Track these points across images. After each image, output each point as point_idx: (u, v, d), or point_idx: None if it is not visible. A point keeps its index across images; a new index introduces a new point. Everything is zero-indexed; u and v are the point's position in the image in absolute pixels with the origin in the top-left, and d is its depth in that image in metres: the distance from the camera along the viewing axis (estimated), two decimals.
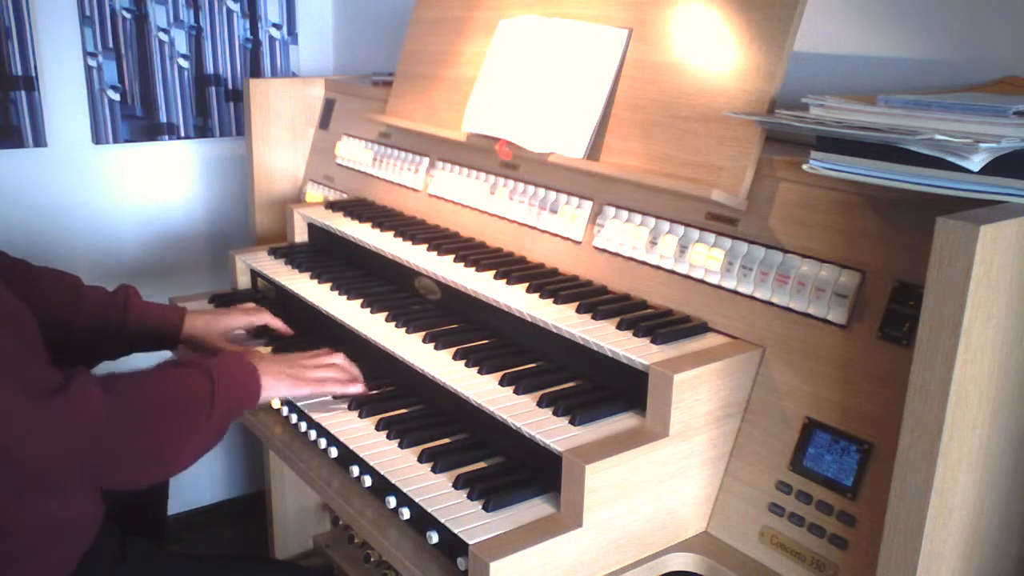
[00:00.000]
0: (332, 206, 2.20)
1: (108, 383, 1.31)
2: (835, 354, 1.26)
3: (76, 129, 2.57)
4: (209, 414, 1.37)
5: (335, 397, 1.61)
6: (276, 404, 1.69)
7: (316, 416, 1.55)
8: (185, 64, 2.69)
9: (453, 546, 1.22)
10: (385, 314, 1.72)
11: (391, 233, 1.94)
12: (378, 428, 1.50)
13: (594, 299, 1.52)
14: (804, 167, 1.21)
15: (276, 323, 1.86)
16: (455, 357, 1.54)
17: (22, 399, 1.20)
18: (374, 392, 1.63)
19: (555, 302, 1.52)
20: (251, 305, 1.93)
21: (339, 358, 1.63)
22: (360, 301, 1.80)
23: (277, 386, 1.52)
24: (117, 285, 1.79)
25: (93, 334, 1.69)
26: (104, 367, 1.60)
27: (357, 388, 1.60)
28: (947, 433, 0.98)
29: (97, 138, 2.59)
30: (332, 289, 1.89)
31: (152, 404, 1.35)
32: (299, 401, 1.61)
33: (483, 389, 1.42)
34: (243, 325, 1.85)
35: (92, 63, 2.53)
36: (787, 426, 1.30)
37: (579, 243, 1.67)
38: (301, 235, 2.26)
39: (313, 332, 1.89)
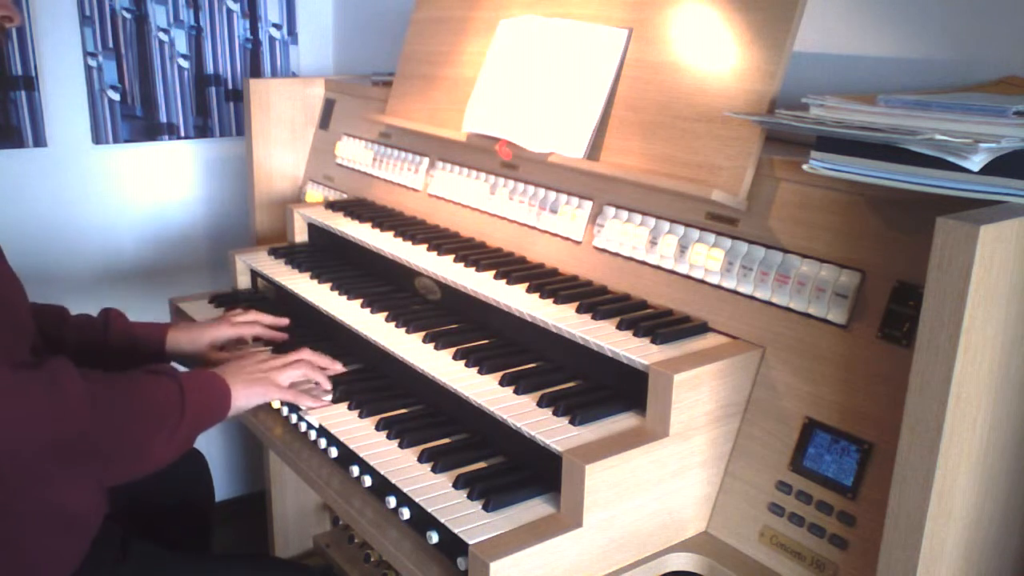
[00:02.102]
0: (332, 206, 2.20)
1: (85, 373, 1.33)
2: (835, 354, 1.26)
3: (76, 129, 2.57)
4: (179, 420, 1.38)
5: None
6: (276, 404, 1.69)
7: (316, 416, 1.55)
8: (185, 64, 2.69)
9: (453, 546, 1.23)
10: (385, 314, 1.72)
11: (391, 233, 1.94)
12: (378, 428, 1.50)
13: (594, 299, 1.52)
14: (804, 167, 1.21)
15: (268, 334, 1.84)
16: (455, 357, 1.54)
17: (3, 368, 1.21)
18: (374, 392, 1.63)
19: (555, 302, 1.52)
20: (239, 312, 1.87)
21: (305, 353, 1.65)
22: (360, 301, 1.80)
23: (248, 396, 1.53)
24: (100, 310, 1.78)
25: (77, 359, 1.70)
26: None
27: (337, 367, 1.64)
28: (947, 433, 0.98)
29: (97, 138, 2.59)
30: (332, 289, 1.89)
31: (125, 399, 1.36)
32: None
33: (483, 389, 1.42)
34: (230, 337, 1.81)
35: (92, 63, 2.53)
36: (787, 426, 1.30)
37: (579, 243, 1.67)
38: (301, 235, 2.26)
39: (313, 332, 1.89)
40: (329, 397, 1.60)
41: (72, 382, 1.28)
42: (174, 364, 1.74)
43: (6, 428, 1.21)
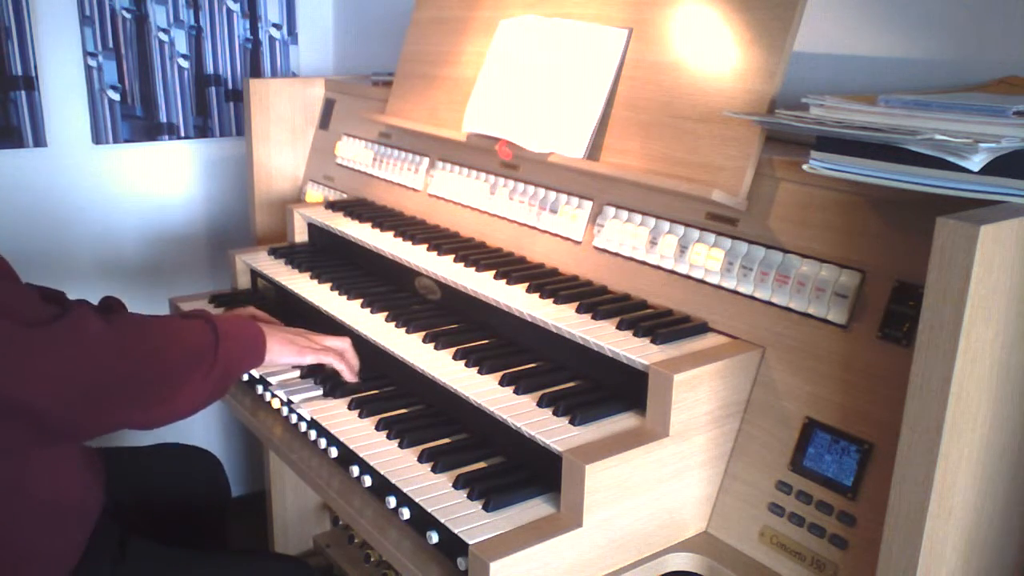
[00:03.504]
0: (332, 206, 2.20)
1: (110, 318, 1.33)
2: (835, 354, 1.26)
3: (76, 129, 2.57)
4: (212, 365, 1.39)
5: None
6: (276, 404, 1.69)
7: (316, 416, 1.55)
8: (185, 64, 2.69)
9: (453, 546, 1.23)
10: (385, 314, 1.72)
11: (391, 233, 1.94)
12: (378, 428, 1.50)
13: (594, 299, 1.52)
14: (804, 167, 1.21)
15: None
16: (455, 357, 1.54)
17: (16, 329, 1.20)
18: (374, 392, 1.63)
19: (555, 302, 1.52)
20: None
21: (346, 343, 1.66)
22: (360, 301, 1.80)
23: (282, 351, 1.55)
24: (101, 297, 1.78)
25: None
26: None
27: (354, 379, 1.66)
28: (947, 433, 0.98)
29: (97, 138, 2.59)
30: (332, 289, 1.89)
31: (154, 342, 1.36)
32: (298, 400, 1.61)
33: (483, 389, 1.42)
34: None
35: (92, 63, 2.53)
36: (787, 426, 1.30)
37: (579, 243, 1.67)
38: (301, 235, 2.26)
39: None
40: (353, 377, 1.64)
41: (94, 328, 1.28)
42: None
43: (37, 384, 1.21)
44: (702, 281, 1.44)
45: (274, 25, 2.83)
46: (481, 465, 1.40)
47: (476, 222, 1.91)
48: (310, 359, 1.58)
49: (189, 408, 1.39)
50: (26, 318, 1.23)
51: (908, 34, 1.55)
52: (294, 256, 2.11)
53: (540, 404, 1.36)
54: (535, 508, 1.27)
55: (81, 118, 2.57)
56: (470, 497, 1.29)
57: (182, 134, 2.73)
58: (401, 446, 1.45)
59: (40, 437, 1.31)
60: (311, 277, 1.97)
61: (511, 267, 1.68)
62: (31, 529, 1.36)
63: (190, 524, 1.88)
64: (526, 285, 1.60)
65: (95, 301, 1.75)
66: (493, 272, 1.67)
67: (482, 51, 1.90)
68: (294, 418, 1.62)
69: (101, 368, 1.27)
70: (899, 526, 1.04)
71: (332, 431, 1.50)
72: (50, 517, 1.38)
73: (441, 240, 1.85)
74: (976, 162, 1.04)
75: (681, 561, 1.32)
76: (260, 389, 1.76)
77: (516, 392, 1.41)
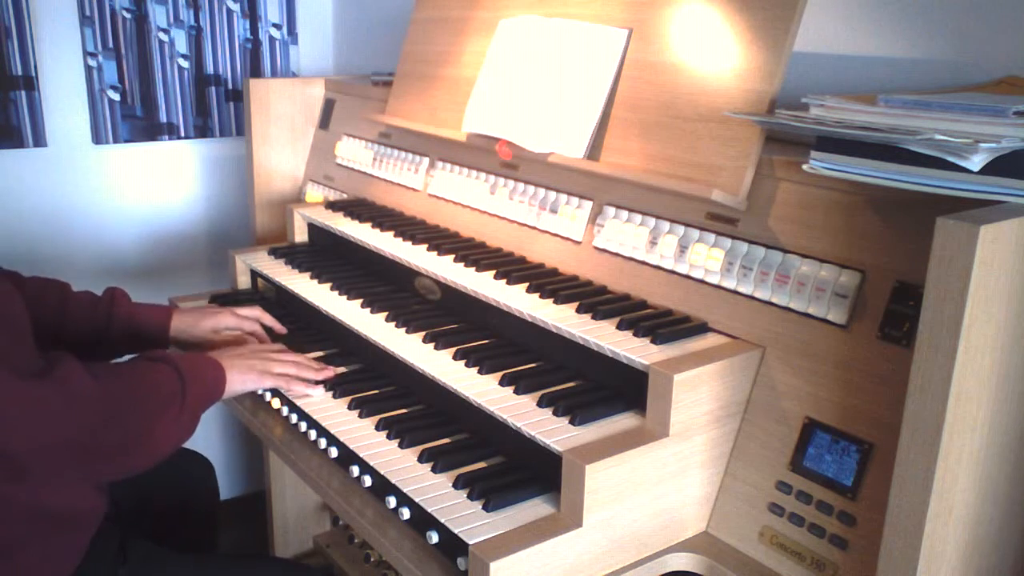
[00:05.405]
0: (332, 206, 2.20)
1: (91, 368, 1.33)
2: (835, 354, 1.26)
3: (76, 129, 2.57)
4: (181, 407, 1.40)
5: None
6: (276, 404, 1.69)
7: (316, 416, 1.55)
8: (185, 64, 2.69)
9: (453, 546, 1.22)
10: (385, 314, 1.72)
11: (391, 233, 1.94)
12: (378, 428, 1.50)
13: (594, 299, 1.52)
14: (804, 167, 1.21)
15: (263, 336, 1.84)
16: (455, 357, 1.54)
17: (11, 380, 1.21)
18: (374, 392, 1.63)
19: (555, 302, 1.52)
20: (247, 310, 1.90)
21: (298, 357, 1.68)
22: (360, 301, 1.80)
23: (243, 380, 1.57)
24: (105, 288, 1.79)
25: (80, 338, 1.70)
26: None
27: (329, 373, 1.66)
28: (947, 433, 0.98)
29: (97, 138, 2.59)
30: (332, 289, 1.89)
31: (130, 392, 1.37)
32: (298, 400, 1.60)
33: (483, 389, 1.42)
34: (232, 325, 1.82)
35: (92, 63, 2.53)
36: (787, 426, 1.30)
37: (579, 243, 1.67)
38: (301, 235, 2.26)
39: (313, 332, 1.89)
40: (320, 390, 1.62)
41: (82, 382, 1.29)
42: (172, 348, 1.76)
43: (25, 435, 1.22)
44: (702, 281, 1.44)
45: (274, 25, 2.83)
46: (481, 465, 1.40)
47: (476, 222, 1.91)
48: (268, 384, 1.60)
49: (166, 451, 1.41)
50: (17, 369, 1.24)
51: (908, 34, 1.55)
52: (294, 256, 2.11)
53: (540, 404, 1.36)
54: (535, 508, 1.27)
55: (81, 118, 2.57)
56: (470, 497, 1.29)
57: (182, 134, 2.73)
58: (401, 446, 1.45)
59: (11, 478, 1.31)
60: (311, 277, 1.97)
61: (511, 267, 1.68)
62: (35, 536, 1.36)
63: (185, 526, 1.88)
64: (526, 285, 1.60)
65: None
66: (493, 272, 1.67)
67: (482, 51, 1.90)
68: (294, 418, 1.62)
69: (83, 427, 1.28)
70: (899, 526, 1.04)
71: (332, 431, 1.50)
72: (55, 524, 1.38)
73: (441, 240, 1.85)
74: (976, 162, 1.04)
75: (681, 561, 1.32)
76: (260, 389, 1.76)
77: (516, 392, 1.41)
